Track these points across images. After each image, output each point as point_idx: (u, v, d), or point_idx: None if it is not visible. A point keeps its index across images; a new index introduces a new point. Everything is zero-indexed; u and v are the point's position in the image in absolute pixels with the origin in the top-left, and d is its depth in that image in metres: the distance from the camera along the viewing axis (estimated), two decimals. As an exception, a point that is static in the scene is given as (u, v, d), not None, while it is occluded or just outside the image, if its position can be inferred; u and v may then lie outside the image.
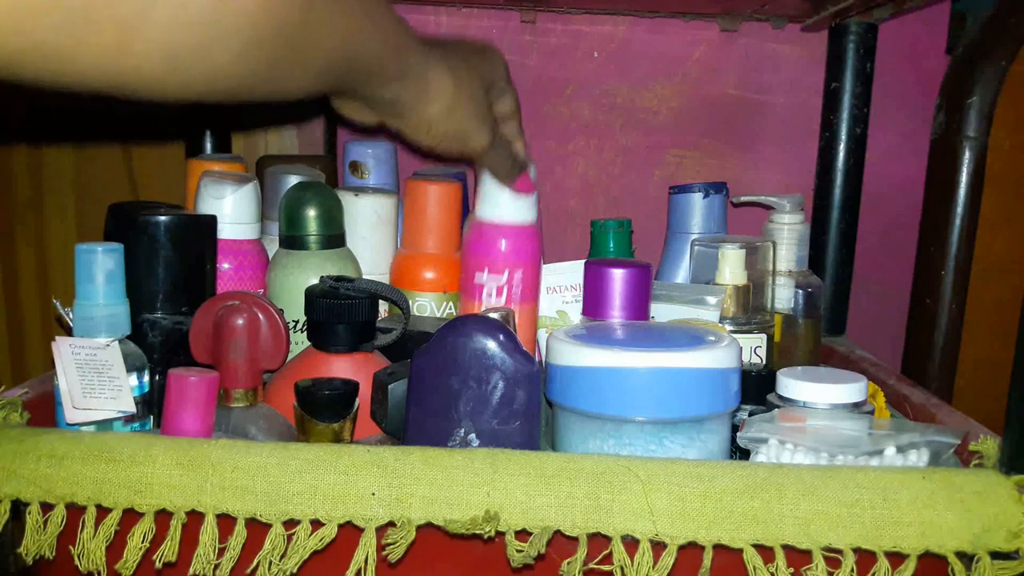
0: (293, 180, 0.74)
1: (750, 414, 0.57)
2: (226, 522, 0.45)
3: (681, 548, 0.44)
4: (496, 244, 0.67)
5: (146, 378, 0.56)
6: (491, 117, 0.63)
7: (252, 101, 0.46)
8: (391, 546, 0.44)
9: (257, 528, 0.45)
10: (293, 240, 0.68)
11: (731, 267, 0.70)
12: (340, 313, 0.59)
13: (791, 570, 0.44)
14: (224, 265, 0.67)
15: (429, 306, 0.72)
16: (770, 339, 0.69)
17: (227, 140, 0.90)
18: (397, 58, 0.54)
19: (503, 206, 0.67)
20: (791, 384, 0.57)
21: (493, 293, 0.68)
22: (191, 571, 0.45)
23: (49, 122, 0.97)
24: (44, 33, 0.34)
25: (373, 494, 0.45)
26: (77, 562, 0.46)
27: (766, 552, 0.44)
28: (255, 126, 0.96)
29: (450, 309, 0.73)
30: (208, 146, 0.89)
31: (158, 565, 0.45)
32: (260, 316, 0.56)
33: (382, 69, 0.54)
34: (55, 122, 0.97)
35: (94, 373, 0.53)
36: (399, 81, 0.56)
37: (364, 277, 0.71)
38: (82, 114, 0.96)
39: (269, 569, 0.45)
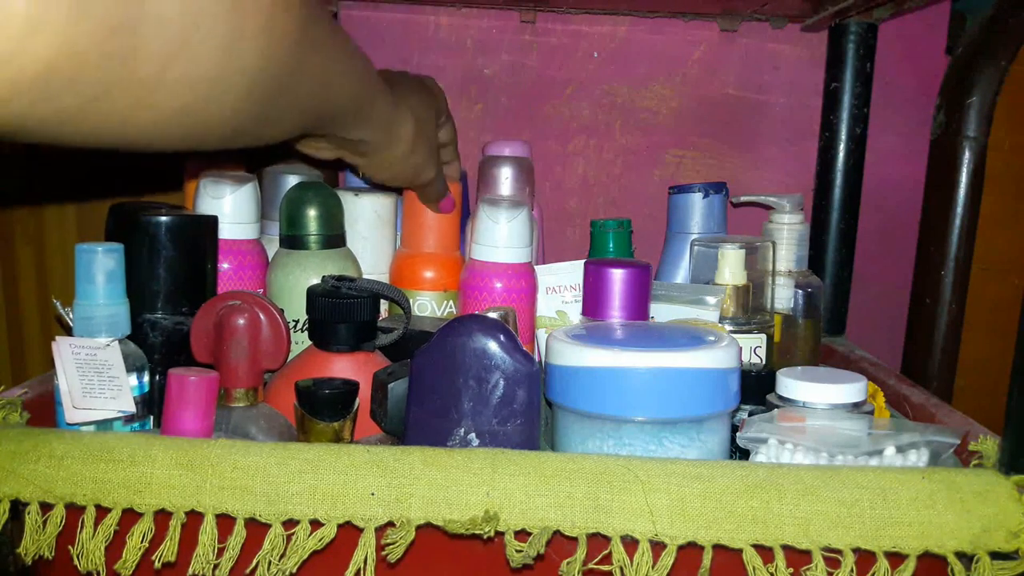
0: (293, 180, 0.74)
1: (750, 414, 0.57)
2: (225, 522, 0.45)
3: (681, 548, 0.44)
4: (491, 284, 0.68)
5: (146, 378, 0.56)
6: (436, 153, 0.68)
7: (237, 147, 0.47)
8: (390, 546, 0.44)
9: (256, 528, 0.45)
10: (293, 240, 0.68)
11: (731, 267, 0.70)
12: (341, 312, 0.59)
13: (791, 570, 0.44)
14: (224, 265, 0.67)
15: (429, 305, 0.72)
16: (770, 339, 0.69)
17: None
18: (370, 102, 0.57)
19: (499, 247, 0.68)
20: (791, 384, 0.57)
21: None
22: (190, 571, 0.45)
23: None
24: (69, 99, 0.34)
25: (373, 494, 0.45)
26: (76, 562, 0.46)
27: (766, 552, 0.44)
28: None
29: (450, 308, 0.73)
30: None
31: (157, 565, 0.45)
32: (261, 316, 0.56)
33: (357, 112, 0.56)
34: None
35: (94, 373, 0.53)
36: (368, 124, 0.59)
37: (364, 277, 0.71)
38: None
39: (268, 569, 0.45)
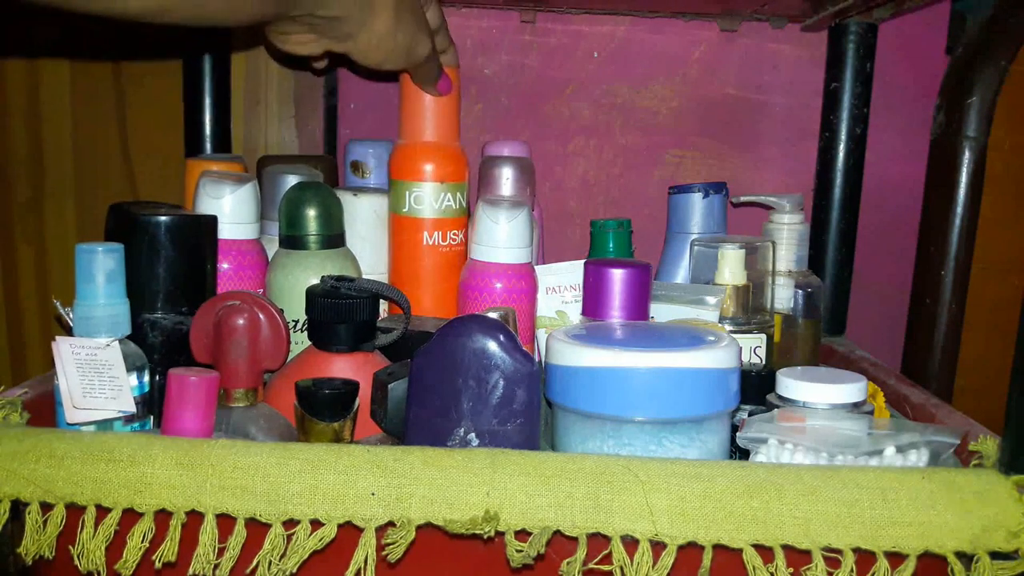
0: (292, 180, 0.74)
1: (750, 414, 0.57)
2: (226, 522, 0.45)
3: (681, 548, 0.44)
4: (491, 284, 0.68)
5: (146, 378, 0.56)
6: (427, 26, 0.65)
7: (209, 25, 0.47)
8: (391, 546, 0.44)
9: (257, 528, 0.45)
10: (293, 240, 0.68)
11: (731, 267, 0.70)
12: (341, 313, 0.59)
13: (791, 570, 0.44)
14: (223, 265, 0.67)
15: (427, 197, 0.71)
16: (770, 339, 0.69)
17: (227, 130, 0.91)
18: None
19: (499, 247, 0.68)
20: (791, 384, 0.57)
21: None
22: (191, 571, 0.45)
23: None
24: None
25: (373, 494, 0.45)
26: (77, 562, 0.46)
27: (766, 552, 0.44)
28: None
29: (448, 201, 0.72)
30: (208, 146, 0.89)
31: (158, 565, 0.45)
32: (261, 316, 0.56)
33: None
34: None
35: (94, 373, 0.53)
36: None
37: (364, 277, 0.71)
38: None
39: (269, 569, 0.45)
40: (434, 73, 0.69)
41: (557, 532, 0.44)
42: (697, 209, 0.82)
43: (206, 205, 0.67)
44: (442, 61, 0.70)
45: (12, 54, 0.96)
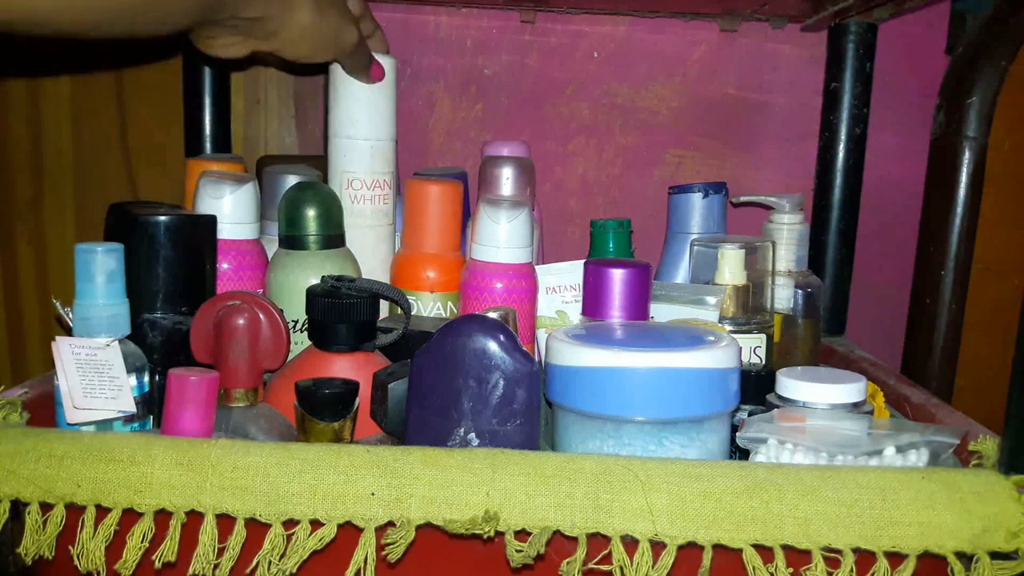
0: (292, 180, 0.74)
1: (750, 414, 0.57)
2: (226, 522, 0.45)
3: (680, 548, 0.44)
4: (492, 284, 0.68)
5: (146, 378, 0.56)
6: (351, 14, 0.66)
7: (140, 38, 0.49)
8: (391, 546, 0.44)
9: (257, 528, 0.45)
10: (292, 240, 0.68)
11: (731, 267, 0.70)
12: (341, 312, 0.59)
13: (791, 570, 0.44)
14: (223, 265, 0.67)
15: (429, 306, 0.72)
16: (770, 339, 0.69)
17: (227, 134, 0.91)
18: None
19: (500, 247, 0.68)
20: (790, 384, 0.57)
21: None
22: (191, 571, 0.45)
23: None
24: None
25: (373, 494, 0.45)
26: (76, 562, 0.46)
27: (765, 552, 0.44)
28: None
29: (451, 309, 0.73)
30: (208, 146, 0.89)
31: (158, 565, 0.45)
32: (261, 316, 0.56)
33: None
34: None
35: (94, 373, 0.53)
36: None
37: (364, 277, 0.71)
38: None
39: (268, 569, 0.45)
40: (365, 61, 0.70)
41: (557, 532, 0.44)
42: (697, 209, 0.82)
43: (206, 205, 0.67)
44: (371, 47, 0.71)
45: (12, 54, 0.96)
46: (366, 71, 0.71)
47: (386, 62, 0.74)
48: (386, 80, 0.74)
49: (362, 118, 0.73)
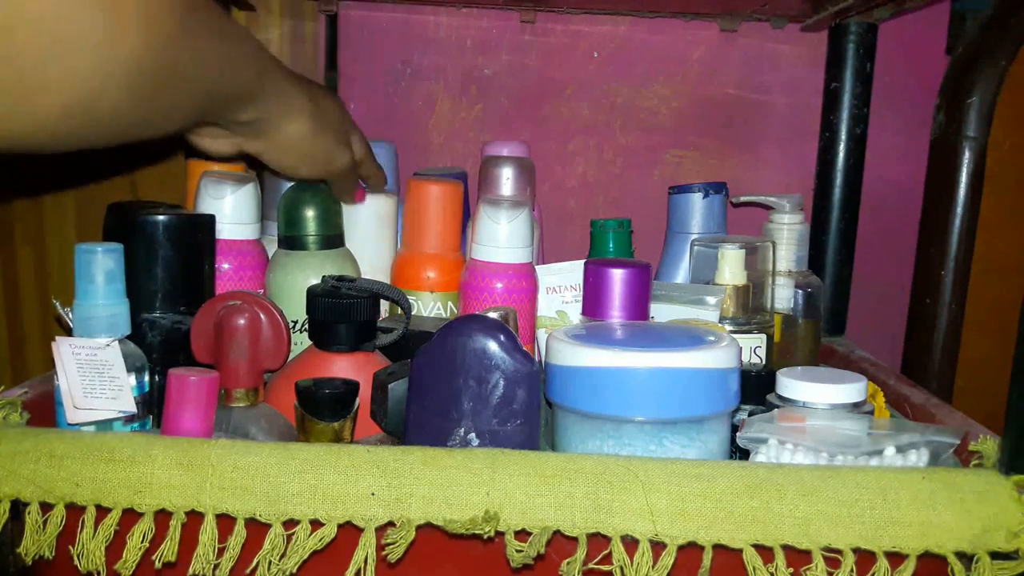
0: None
1: (750, 414, 0.57)
2: (226, 522, 0.45)
3: (681, 548, 0.44)
4: (492, 284, 0.68)
5: (146, 378, 0.56)
6: (350, 144, 0.66)
7: (137, 142, 0.47)
8: (391, 546, 0.44)
9: (257, 528, 0.45)
10: (292, 240, 0.68)
11: (731, 267, 0.70)
12: (341, 312, 0.59)
13: (791, 570, 0.44)
14: (224, 265, 0.67)
15: (430, 306, 0.72)
16: (770, 339, 0.69)
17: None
18: (259, 79, 0.55)
19: (500, 247, 0.68)
20: (791, 384, 0.57)
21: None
22: (191, 571, 0.45)
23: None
24: None
25: (373, 494, 0.45)
26: (76, 562, 0.46)
27: (766, 552, 0.44)
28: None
29: (451, 309, 0.73)
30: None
31: (158, 565, 0.45)
32: (261, 316, 0.56)
33: (247, 92, 0.55)
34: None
35: (94, 373, 0.53)
36: (261, 100, 0.57)
37: (364, 277, 0.71)
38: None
39: (269, 569, 0.45)
40: (351, 187, 0.71)
41: (557, 532, 0.44)
42: (697, 209, 0.82)
43: (207, 205, 0.67)
44: (372, 184, 0.73)
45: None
46: (350, 195, 0.72)
47: (388, 200, 0.76)
48: (384, 215, 0.76)
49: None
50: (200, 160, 0.76)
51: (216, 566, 0.45)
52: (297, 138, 0.61)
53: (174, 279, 0.60)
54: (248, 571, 0.46)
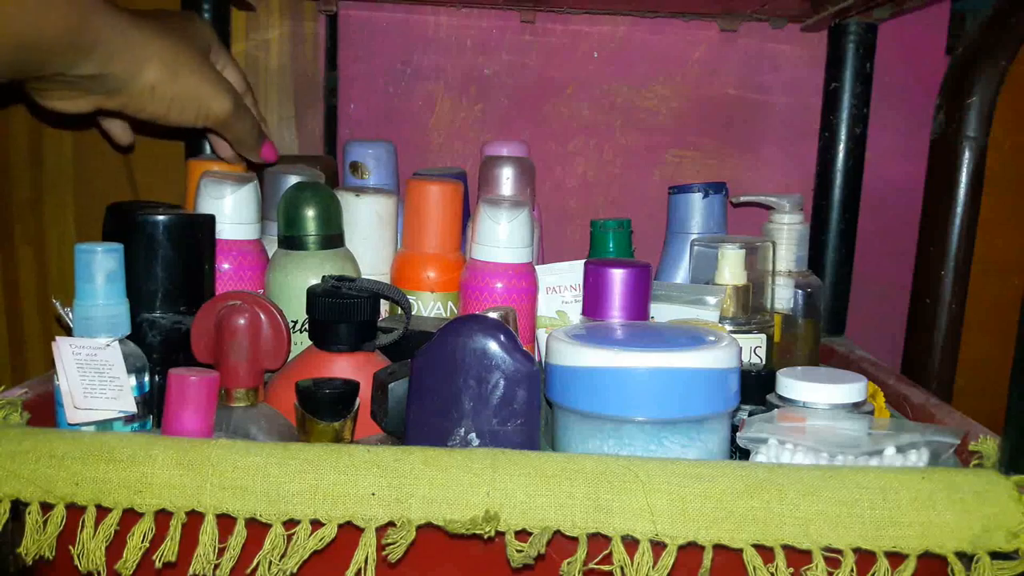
0: (292, 180, 0.74)
1: (750, 414, 0.57)
2: (226, 522, 0.45)
3: (681, 548, 0.44)
4: (492, 284, 0.68)
5: (146, 378, 0.56)
6: (225, 81, 0.62)
7: None
8: (391, 546, 0.44)
9: (257, 528, 0.45)
10: (292, 240, 0.68)
11: (731, 267, 0.70)
12: (341, 312, 0.59)
13: (791, 570, 0.44)
14: (224, 265, 0.67)
15: (430, 306, 0.72)
16: (770, 339, 0.69)
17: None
18: (81, 33, 0.52)
19: (500, 247, 0.68)
20: (791, 384, 0.57)
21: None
22: (191, 571, 0.45)
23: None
24: None
25: (373, 494, 0.45)
26: (77, 562, 0.46)
27: (766, 552, 0.44)
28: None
29: (451, 309, 0.73)
30: (208, 146, 0.89)
31: (158, 565, 0.45)
32: (262, 316, 0.56)
33: (72, 41, 0.52)
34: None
35: (95, 373, 0.53)
36: (96, 54, 0.54)
37: (364, 277, 0.71)
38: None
39: (269, 569, 0.45)
40: (252, 135, 0.66)
41: (557, 532, 0.44)
42: (697, 209, 0.82)
43: (207, 205, 0.67)
44: (237, 146, 0.67)
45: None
46: (254, 149, 0.67)
47: (388, 200, 0.74)
48: (384, 215, 0.74)
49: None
50: (200, 160, 0.76)
51: (216, 566, 0.45)
52: (154, 85, 0.58)
53: (174, 279, 0.60)
54: (248, 571, 0.46)
